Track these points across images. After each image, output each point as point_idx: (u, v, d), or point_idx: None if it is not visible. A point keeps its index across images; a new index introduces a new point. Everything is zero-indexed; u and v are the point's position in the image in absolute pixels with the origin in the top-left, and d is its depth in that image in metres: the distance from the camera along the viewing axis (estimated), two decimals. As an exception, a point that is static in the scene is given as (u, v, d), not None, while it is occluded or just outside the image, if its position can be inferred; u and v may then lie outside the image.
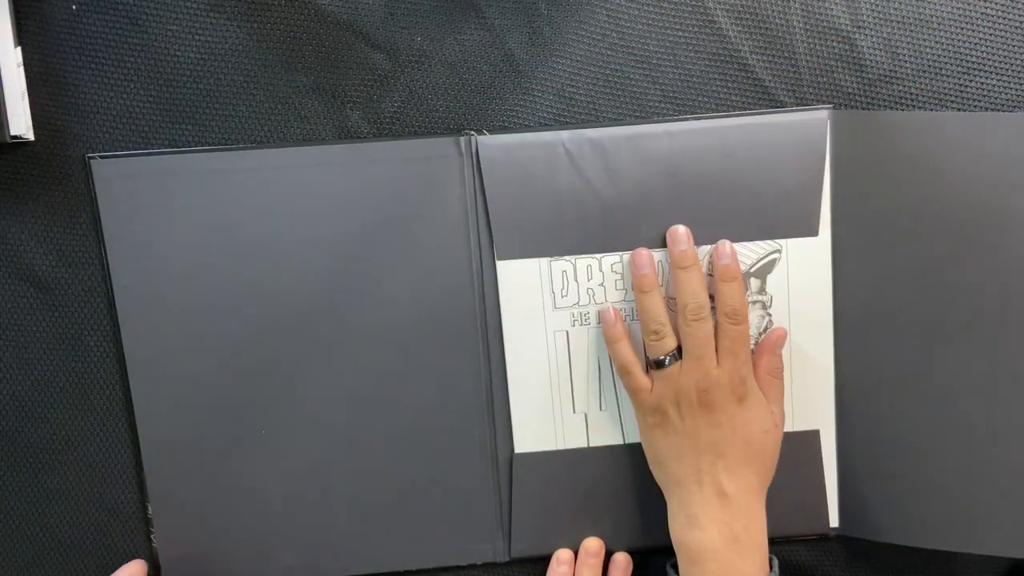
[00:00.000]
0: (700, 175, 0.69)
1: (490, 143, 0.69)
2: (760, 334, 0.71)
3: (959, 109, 0.70)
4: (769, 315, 0.71)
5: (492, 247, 0.70)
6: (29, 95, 0.68)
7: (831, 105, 0.70)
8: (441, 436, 0.73)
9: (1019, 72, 0.70)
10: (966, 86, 0.70)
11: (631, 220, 0.69)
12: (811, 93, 0.70)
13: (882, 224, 0.69)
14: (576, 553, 0.74)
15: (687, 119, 0.70)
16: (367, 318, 0.71)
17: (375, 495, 0.73)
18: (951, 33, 0.69)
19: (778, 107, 0.70)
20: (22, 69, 0.67)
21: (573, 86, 0.70)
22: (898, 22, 0.69)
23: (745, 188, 0.69)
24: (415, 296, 0.71)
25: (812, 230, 0.70)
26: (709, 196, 0.69)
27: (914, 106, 0.70)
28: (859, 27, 0.69)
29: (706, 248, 0.69)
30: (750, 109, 0.70)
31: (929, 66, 0.70)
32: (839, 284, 0.71)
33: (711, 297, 0.68)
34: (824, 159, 0.69)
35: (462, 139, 0.69)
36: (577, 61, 0.70)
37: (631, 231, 0.70)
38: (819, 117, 0.69)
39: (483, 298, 0.71)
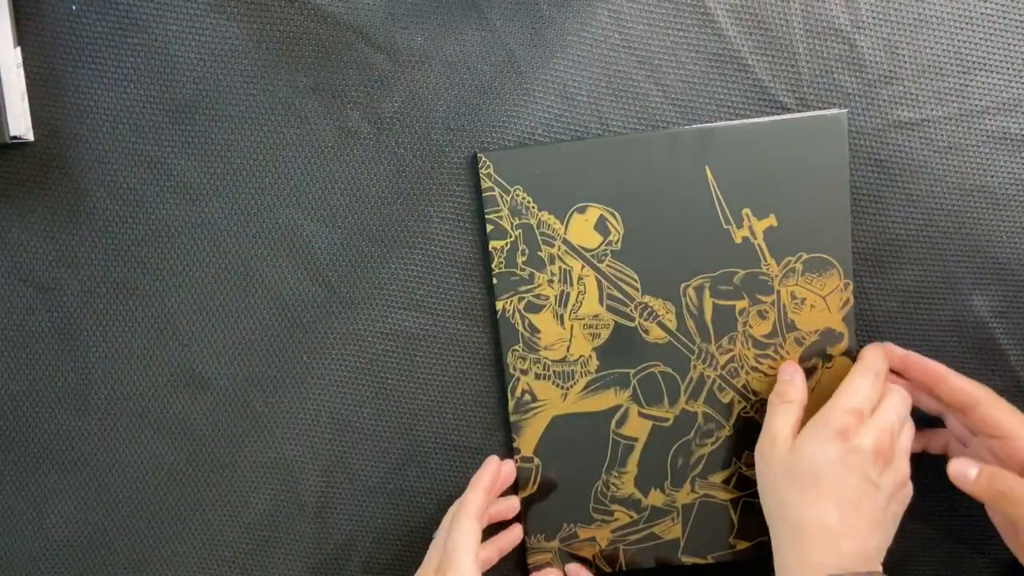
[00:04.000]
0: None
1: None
2: None
3: (960, 108, 0.70)
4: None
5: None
6: (29, 95, 0.68)
7: (846, 108, 0.70)
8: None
9: (1020, 71, 0.70)
10: (967, 85, 0.70)
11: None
12: (811, 94, 0.70)
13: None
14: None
15: (697, 126, 0.70)
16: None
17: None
18: (951, 33, 0.69)
19: (778, 107, 0.70)
20: (22, 69, 0.67)
21: (575, 86, 0.70)
22: (898, 22, 0.69)
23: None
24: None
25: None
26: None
27: (915, 105, 0.70)
28: (859, 27, 0.69)
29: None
30: (752, 110, 0.70)
31: (929, 66, 0.70)
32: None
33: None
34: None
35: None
36: (578, 62, 0.70)
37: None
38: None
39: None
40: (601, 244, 0.70)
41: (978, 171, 0.70)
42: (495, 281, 0.71)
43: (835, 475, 0.63)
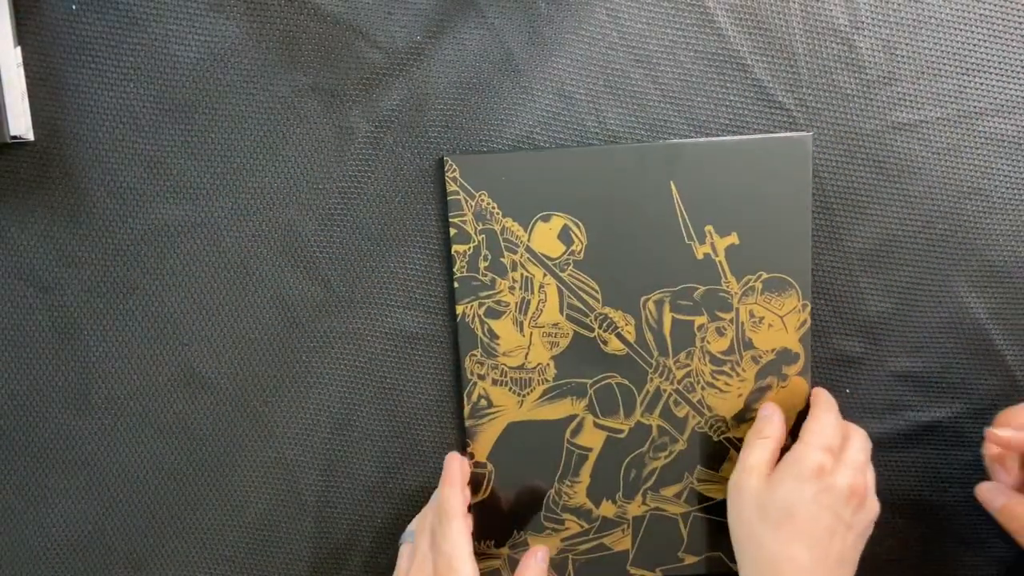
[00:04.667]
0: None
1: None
2: None
3: (958, 110, 0.70)
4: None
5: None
6: (29, 95, 0.68)
7: (811, 131, 0.70)
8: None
9: (1018, 72, 0.70)
10: (965, 86, 0.70)
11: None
12: (810, 94, 0.70)
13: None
14: None
15: (664, 141, 0.70)
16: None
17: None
18: (949, 34, 0.69)
19: (777, 107, 0.70)
20: (22, 69, 0.67)
21: (573, 85, 0.70)
22: (896, 23, 0.69)
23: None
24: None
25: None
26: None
27: (913, 107, 0.70)
28: (858, 28, 0.69)
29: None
30: (751, 110, 0.70)
31: (928, 67, 0.70)
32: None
33: None
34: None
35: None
36: (577, 60, 0.70)
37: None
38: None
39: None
40: (564, 253, 0.70)
41: (976, 173, 0.71)
42: (456, 285, 0.71)
43: (809, 514, 0.64)
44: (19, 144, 0.68)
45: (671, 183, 0.69)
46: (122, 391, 0.72)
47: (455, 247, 0.70)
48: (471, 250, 0.70)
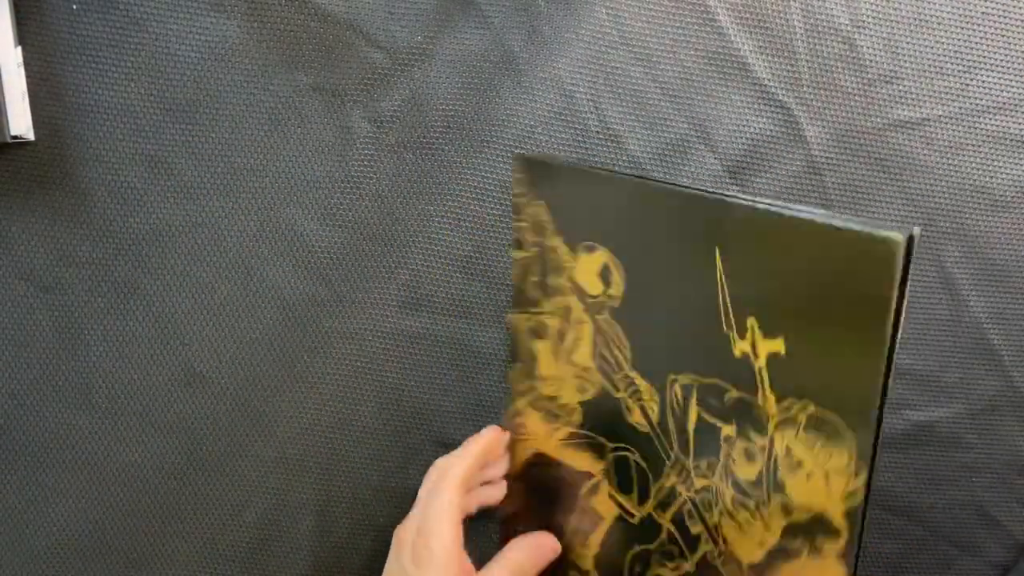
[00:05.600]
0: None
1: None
2: None
3: (960, 107, 0.70)
4: None
5: None
6: (30, 95, 0.68)
7: (907, 231, 0.46)
8: None
9: (1021, 70, 0.70)
10: (968, 85, 0.70)
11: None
12: (811, 92, 0.70)
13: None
14: None
15: (717, 195, 0.55)
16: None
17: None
18: (952, 32, 0.69)
19: (777, 107, 0.70)
20: (22, 69, 0.67)
21: (573, 84, 0.70)
22: (898, 21, 0.69)
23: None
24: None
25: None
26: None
27: (915, 105, 0.70)
28: (859, 26, 0.69)
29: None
30: (751, 109, 0.70)
31: (930, 65, 0.70)
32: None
33: None
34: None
35: None
36: (577, 59, 0.70)
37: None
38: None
39: None
40: (602, 294, 0.61)
41: (978, 171, 0.71)
42: (515, 292, 0.66)
43: None
44: (19, 144, 0.68)
45: (716, 249, 0.53)
46: (123, 390, 0.72)
47: (513, 252, 0.66)
48: (527, 259, 0.65)
